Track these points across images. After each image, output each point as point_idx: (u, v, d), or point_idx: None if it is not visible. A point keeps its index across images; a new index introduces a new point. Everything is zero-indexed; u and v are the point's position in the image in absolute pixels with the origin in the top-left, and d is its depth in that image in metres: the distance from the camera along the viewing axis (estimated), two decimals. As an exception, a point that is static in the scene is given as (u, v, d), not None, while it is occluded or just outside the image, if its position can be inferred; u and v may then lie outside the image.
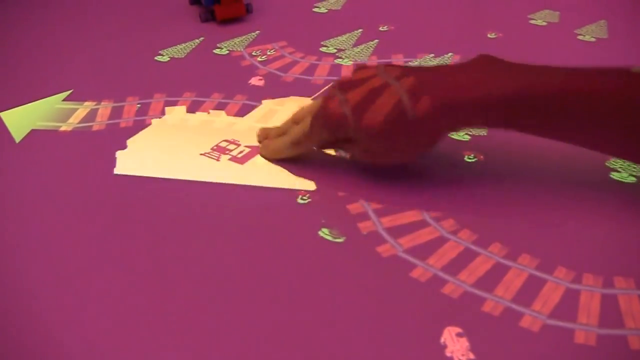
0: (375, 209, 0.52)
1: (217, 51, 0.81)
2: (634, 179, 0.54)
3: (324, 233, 0.50)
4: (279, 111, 0.68)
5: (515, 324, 0.42)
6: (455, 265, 0.46)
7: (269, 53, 0.79)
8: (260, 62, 0.77)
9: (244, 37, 0.84)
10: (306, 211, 0.53)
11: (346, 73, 0.73)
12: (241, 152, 0.61)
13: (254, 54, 0.80)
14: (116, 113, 0.69)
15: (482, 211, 0.52)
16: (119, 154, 0.62)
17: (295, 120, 0.59)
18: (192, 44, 0.84)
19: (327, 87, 0.55)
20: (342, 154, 0.59)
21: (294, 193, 0.55)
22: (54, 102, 0.71)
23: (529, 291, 0.44)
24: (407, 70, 0.52)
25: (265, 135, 0.61)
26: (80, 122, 0.67)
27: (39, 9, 1.00)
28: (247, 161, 0.60)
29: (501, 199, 0.53)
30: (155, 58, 0.80)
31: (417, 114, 0.48)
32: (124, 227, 0.51)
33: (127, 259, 0.48)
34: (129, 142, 0.63)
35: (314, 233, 0.50)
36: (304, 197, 0.54)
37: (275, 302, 0.44)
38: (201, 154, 0.61)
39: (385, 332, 0.41)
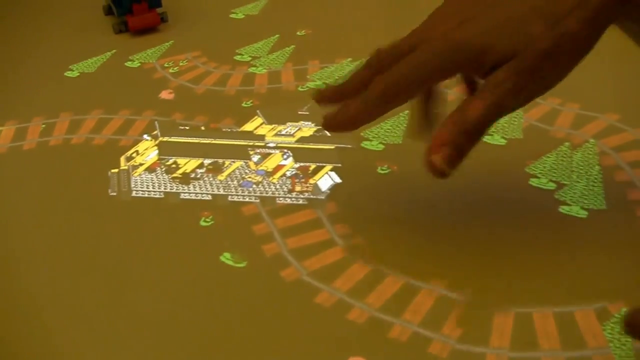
0: (281, 229, 0.49)
1: (128, 64, 0.77)
2: (553, 185, 0.52)
3: (226, 258, 0.47)
4: None
5: (424, 350, 0.39)
6: (362, 288, 0.43)
7: (181, 64, 0.75)
8: (172, 74, 0.73)
9: (156, 48, 0.80)
10: (209, 234, 0.49)
11: (260, 82, 0.70)
12: None
13: (166, 65, 0.76)
14: (20, 135, 0.64)
15: (393, 227, 0.49)
16: None
17: (381, 61, 0.41)
18: (104, 57, 0.79)
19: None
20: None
21: (196, 215, 0.51)
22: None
23: (439, 313, 0.41)
24: None
25: (329, 94, 0.44)
26: (-22, 147, 0.63)
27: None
28: None
29: (415, 214, 0.50)
30: (65, 74, 0.76)
31: None
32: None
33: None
34: None
35: (215, 258, 0.47)
36: (207, 219, 0.50)
37: (173, 331, 0.41)
38: None
39: (283, 367, 0.38)
